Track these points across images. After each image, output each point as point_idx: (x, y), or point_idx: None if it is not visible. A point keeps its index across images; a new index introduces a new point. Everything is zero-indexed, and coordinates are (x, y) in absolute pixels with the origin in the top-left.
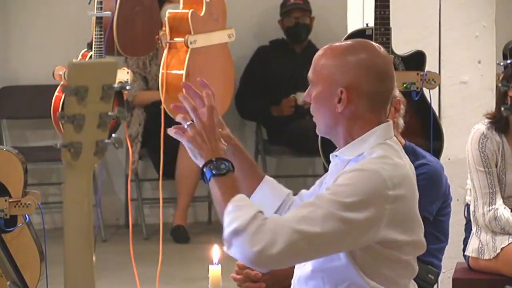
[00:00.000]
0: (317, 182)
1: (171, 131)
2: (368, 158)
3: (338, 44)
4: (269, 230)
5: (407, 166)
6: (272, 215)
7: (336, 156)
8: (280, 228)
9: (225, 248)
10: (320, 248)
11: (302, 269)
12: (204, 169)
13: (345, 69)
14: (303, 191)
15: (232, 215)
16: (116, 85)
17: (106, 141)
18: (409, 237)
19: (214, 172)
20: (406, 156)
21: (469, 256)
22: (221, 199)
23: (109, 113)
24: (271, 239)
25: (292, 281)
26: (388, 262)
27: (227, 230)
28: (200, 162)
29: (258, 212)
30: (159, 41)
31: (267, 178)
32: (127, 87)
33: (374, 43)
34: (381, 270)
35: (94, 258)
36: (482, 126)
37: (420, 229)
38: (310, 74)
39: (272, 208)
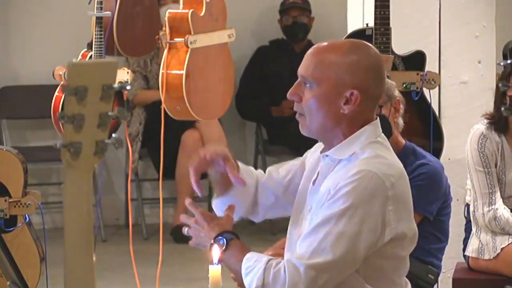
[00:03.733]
0: (304, 177)
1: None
2: (362, 159)
3: (339, 43)
4: (286, 274)
5: (398, 161)
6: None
7: (327, 156)
8: (295, 271)
9: None
10: (342, 271)
11: None
12: (212, 253)
13: (355, 70)
14: (273, 173)
15: (249, 278)
16: (116, 85)
17: (106, 141)
18: (411, 231)
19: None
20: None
21: (469, 256)
22: (234, 268)
23: (109, 113)
24: (291, 283)
25: None
26: (388, 261)
27: None
28: (207, 249)
29: (268, 261)
30: (159, 41)
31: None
32: (127, 87)
33: (369, 44)
34: (381, 271)
35: (94, 258)
36: (481, 126)
37: (414, 222)
38: (310, 72)
39: (246, 204)
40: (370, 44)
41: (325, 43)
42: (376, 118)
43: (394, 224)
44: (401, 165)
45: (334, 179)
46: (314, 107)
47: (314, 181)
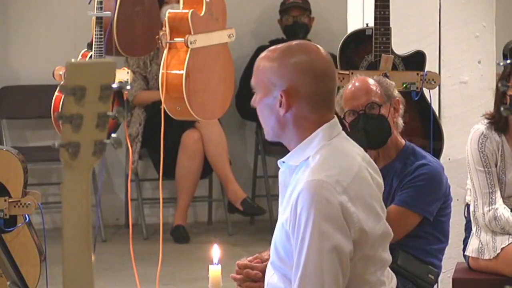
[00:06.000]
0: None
1: None
2: (311, 168)
3: (276, 47)
4: None
5: (355, 159)
6: None
7: (283, 162)
8: None
9: None
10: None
11: (272, 278)
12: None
13: (282, 72)
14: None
15: None
16: (114, 85)
17: (105, 141)
18: (375, 229)
19: None
20: (355, 144)
21: (469, 256)
22: None
23: (108, 113)
24: None
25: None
26: (355, 261)
27: None
28: None
29: None
30: (159, 41)
31: None
32: (127, 87)
33: (313, 44)
34: (351, 272)
35: (93, 258)
36: (481, 126)
37: (383, 218)
38: (253, 79)
39: None
40: (307, 45)
41: (264, 52)
42: (334, 117)
43: (356, 225)
44: (355, 165)
45: (292, 188)
46: (260, 112)
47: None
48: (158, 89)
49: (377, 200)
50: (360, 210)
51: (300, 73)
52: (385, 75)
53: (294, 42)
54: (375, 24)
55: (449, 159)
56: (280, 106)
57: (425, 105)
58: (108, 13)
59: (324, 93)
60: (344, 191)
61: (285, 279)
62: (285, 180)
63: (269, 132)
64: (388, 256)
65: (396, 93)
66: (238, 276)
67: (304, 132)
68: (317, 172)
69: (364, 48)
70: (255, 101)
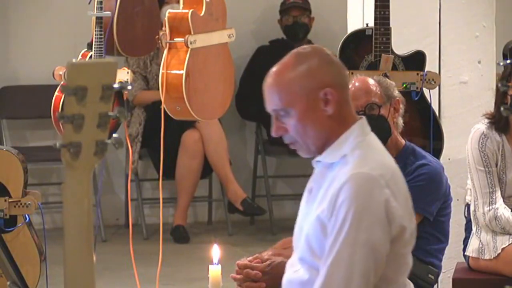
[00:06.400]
0: (305, 192)
1: None
2: (353, 162)
3: (284, 61)
4: None
5: (389, 155)
6: None
7: (319, 161)
8: None
9: None
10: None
11: (295, 274)
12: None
13: (313, 73)
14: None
15: None
16: (116, 85)
17: (106, 141)
18: (411, 226)
19: None
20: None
21: (469, 256)
22: None
23: (109, 113)
24: None
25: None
26: (389, 260)
27: None
28: None
29: None
30: (159, 41)
31: None
32: (128, 87)
33: (305, 46)
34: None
35: (94, 258)
36: (482, 125)
37: (414, 217)
38: (277, 102)
39: None
40: (311, 46)
41: (273, 70)
42: (361, 117)
43: (396, 220)
44: (392, 162)
45: (329, 184)
46: (301, 128)
47: (311, 190)
48: (158, 89)
49: (409, 197)
50: (400, 206)
51: (327, 67)
52: (385, 75)
53: (297, 49)
54: (375, 24)
55: (449, 159)
56: (326, 104)
57: (425, 105)
58: (108, 13)
59: (346, 80)
60: (387, 185)
61: (312, 270)
62: (319, 179)
63: (313, 145)
64: (411, 263)
65: (396, 93)
66: (238, 276)
67: (341, 128)
68: (361, 166)
69: (364, 48)
70: (283, 126)
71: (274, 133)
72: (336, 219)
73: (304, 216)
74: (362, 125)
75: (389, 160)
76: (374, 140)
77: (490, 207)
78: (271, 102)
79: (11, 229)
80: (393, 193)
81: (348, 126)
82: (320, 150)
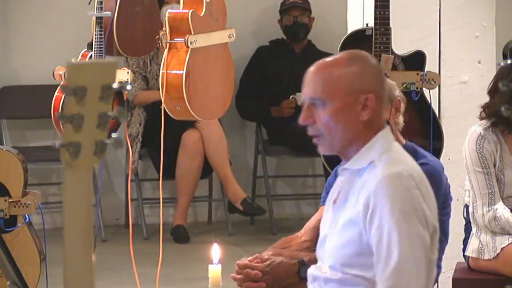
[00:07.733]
0: (328, 202)
1: None
2: (384, 165)
3: (338, 56)
4: None
5: (414, 162)
6: None
7: (346, 169)
8: None
9: None
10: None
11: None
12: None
13: (365, 76)
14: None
15: None
16: (115, 85)
17: (106, 141)
18: (438, 227)
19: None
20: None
21: (469, 257)
22: None
23: (109, 113)
24: None
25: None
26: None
27: None
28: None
29: None
30: (159, 41)
31: None
32: (127, 87)
33: (363, 52)
34: None
35: (94, 258)
36: (478, 127)
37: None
38: (319, 91)
39: None
40: (361, 51)
41: (324, 61)
42: (387, 124)
43: (429, 220)
44: (417, 166)
45: (359, 189)
46: (333, 123)
47: (335, 200)
48: (158, 89)
49: (435, 202)
50: (429, 207)
51: (377, 76)
52: (385, 75)
53: (352, 51)
54: (375, 24)
55: (449, 159)
56: (364, 109)
57: (425, 105)
58: (108, 13)
59: (386, 96)
60: (417, 186)
61: (345, 276)
62: (345, 186)
63: (337, 144)
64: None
65: (397, 92)
66: (238, 276)
67: (368, 135)
68: (392, 167)
69: (364, 48)
70: (313, 116)
71: (301, 121)
72: (381, 222)
73: (331, 224)
74: (387, 133)
75: (415, 164)
76: (398, 146)
77: (489, 208)
78: (312, 88)
79: (11, 229)
80: (422, 194)
81: (374, 134)
82: (342, 150)
